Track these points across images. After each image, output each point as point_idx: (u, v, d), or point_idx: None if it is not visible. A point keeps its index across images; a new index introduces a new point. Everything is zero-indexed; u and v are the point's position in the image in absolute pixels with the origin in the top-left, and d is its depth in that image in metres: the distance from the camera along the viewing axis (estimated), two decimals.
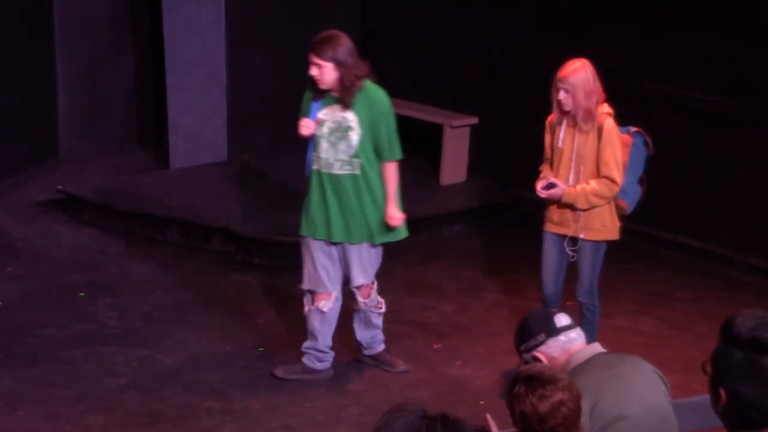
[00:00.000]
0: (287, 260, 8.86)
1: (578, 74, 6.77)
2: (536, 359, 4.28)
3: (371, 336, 7.26)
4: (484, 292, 8.53)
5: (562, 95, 6.76)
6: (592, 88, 6.75)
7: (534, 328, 4.39)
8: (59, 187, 9.86)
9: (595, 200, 6.82)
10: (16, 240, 9.04)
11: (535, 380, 3.74)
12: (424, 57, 10.90)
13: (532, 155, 10.39)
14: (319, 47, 6.77)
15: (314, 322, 7.03)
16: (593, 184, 6.77)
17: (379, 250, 7.05)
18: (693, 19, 9.09)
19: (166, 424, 6.65)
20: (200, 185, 10.16)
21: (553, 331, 4.36)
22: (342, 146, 6.83)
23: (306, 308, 7.06)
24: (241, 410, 6.81)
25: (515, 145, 10.32)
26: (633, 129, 6.97)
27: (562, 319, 4.41)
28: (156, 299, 8.25)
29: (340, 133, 6.82)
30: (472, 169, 10.49)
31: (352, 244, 6.93)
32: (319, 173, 6.89)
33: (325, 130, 6.84)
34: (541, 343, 4.33)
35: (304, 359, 7.13)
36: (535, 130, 10.18)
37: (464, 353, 7.55)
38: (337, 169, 6.85)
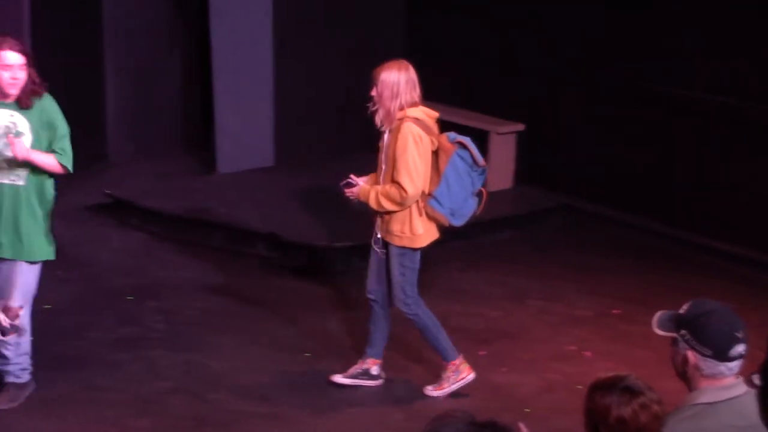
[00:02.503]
0: (333, 265, 8.89)
1: (390, 73, 6.70)
2: (685, 358, 4.03)
3: None
4: (528, 299, 8.51)
5: (373, 90, 6.74)
6: (401, 91, 6.65)
7: (709, 338, 3.89)
8: (107, 191, 9.94)
9: (385, 203, 6.70)
10: (65, 244, 9.06)
11: (636, 389, 3.71)
12: (470, 64, 10.89)
13: (579, 162, 10.39)
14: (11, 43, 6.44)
15: None
16: (386, 186, 6.67)
17: (36, 269, 6.58)
18: (724, 27, 9.04)
19: (212, 428, 6.67)
20: (246, 190, 10.20)
21: (723, 357, 3.87)
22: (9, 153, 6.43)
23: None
24: (286, 414, 6.83)
25: (562, 152, 10.31)
26: (457, 138, 6.79)
27: (739, 348, 3.89)
28: (202, 303, 8.29)
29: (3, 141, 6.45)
30: (519, 175, 10.47)
31: (11, 260, 6.53)
32: None
33: None
34: (703, 354, 3.89)
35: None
36: (582, 137, 10.19)
37: (509, 360, 7.54)
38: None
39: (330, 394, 7.06)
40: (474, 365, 7.45)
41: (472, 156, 6.77)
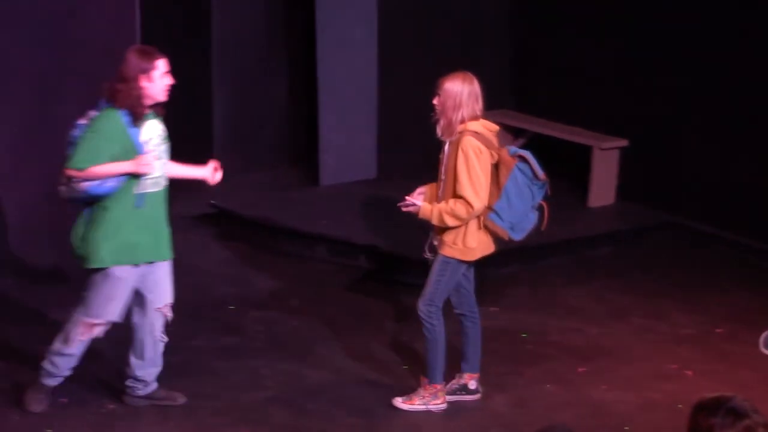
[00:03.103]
0: None
1: (454, 83, 6.67)
2: None
3: (157, 365, 6.92)
4: (630, 316, 8.44)
5: (435, 99, 6.70)
6: (463, 102, 6.62)
7: None
8: (212, 201, 10.07)
9: (449, 219, 6.63)
10: None
11: (741, 411, 3.67)
12: (573, 79, 10.85)
13: (682, 179, 10.28)
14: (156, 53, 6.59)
15: (80, 348, 6.66)
16: (450, 203, 6.61)
17: None
18: None
19: None
20: (349, 202, 10.26)
21: None
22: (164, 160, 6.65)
23: (83, 336, 6.61)
24: (385, 427, 6.85)
25: (666, 168, 10.21)
26: (518, 152, 6.74)
27: None
28: (302, 314, 8.36)
29: (165, 147, 6.67)
30: (622, 191, 10.40)
31: (162, 260, 6.72)
32: (146, 195, 6.62)
33: (151, 149, 6.60)
34: None
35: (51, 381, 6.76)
36: (686, 153, 10.08)
37: (609, 377, 7.48)
38: (162, 185, 6.68)
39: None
40: (573, 381, 7.42)
41: (532, 169, 6.74)
